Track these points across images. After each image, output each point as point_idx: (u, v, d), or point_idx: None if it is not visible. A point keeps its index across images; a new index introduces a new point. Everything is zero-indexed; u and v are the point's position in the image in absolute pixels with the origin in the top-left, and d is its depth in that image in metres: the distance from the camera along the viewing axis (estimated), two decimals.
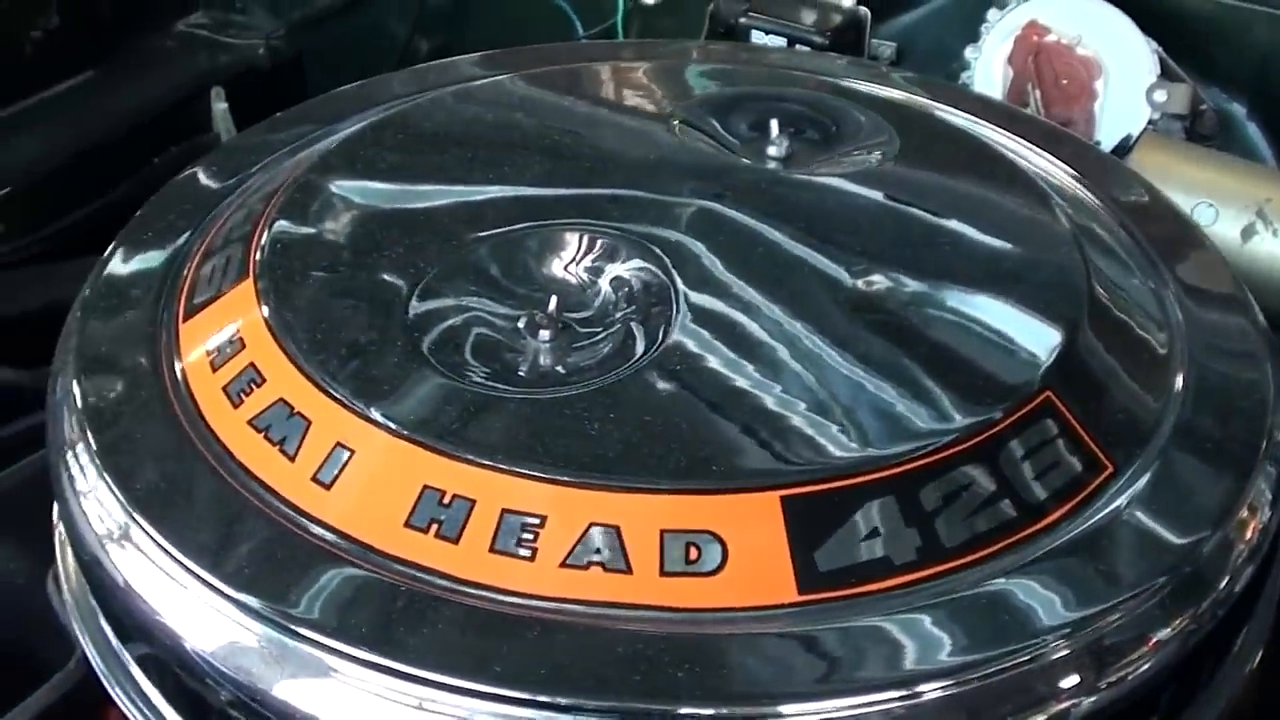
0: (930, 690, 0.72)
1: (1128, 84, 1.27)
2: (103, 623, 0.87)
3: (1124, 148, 1.25)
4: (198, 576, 0.77)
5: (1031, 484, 0.78)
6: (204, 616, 0.77)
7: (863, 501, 0.75)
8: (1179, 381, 0.88)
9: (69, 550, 0.91)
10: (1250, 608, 0.82)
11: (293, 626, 0.74)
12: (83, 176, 1.43)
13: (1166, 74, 1.26)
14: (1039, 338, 0.85)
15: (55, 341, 1.03)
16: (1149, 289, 0.95)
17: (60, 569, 0.93)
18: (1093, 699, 0.75)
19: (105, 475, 0.82)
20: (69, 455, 0.86)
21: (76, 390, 0.88)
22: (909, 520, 0.75)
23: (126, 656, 0.86)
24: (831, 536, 0.75)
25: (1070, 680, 0.74)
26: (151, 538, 0.79)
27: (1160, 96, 1.23)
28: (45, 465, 1.02)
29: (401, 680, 0.72)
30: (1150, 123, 1.25)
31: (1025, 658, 0.73)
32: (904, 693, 0.72)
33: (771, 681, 0.72)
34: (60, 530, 0.93)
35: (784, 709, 0.71)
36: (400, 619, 0.73)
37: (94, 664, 0.86)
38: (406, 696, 0.72)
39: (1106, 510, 0.80)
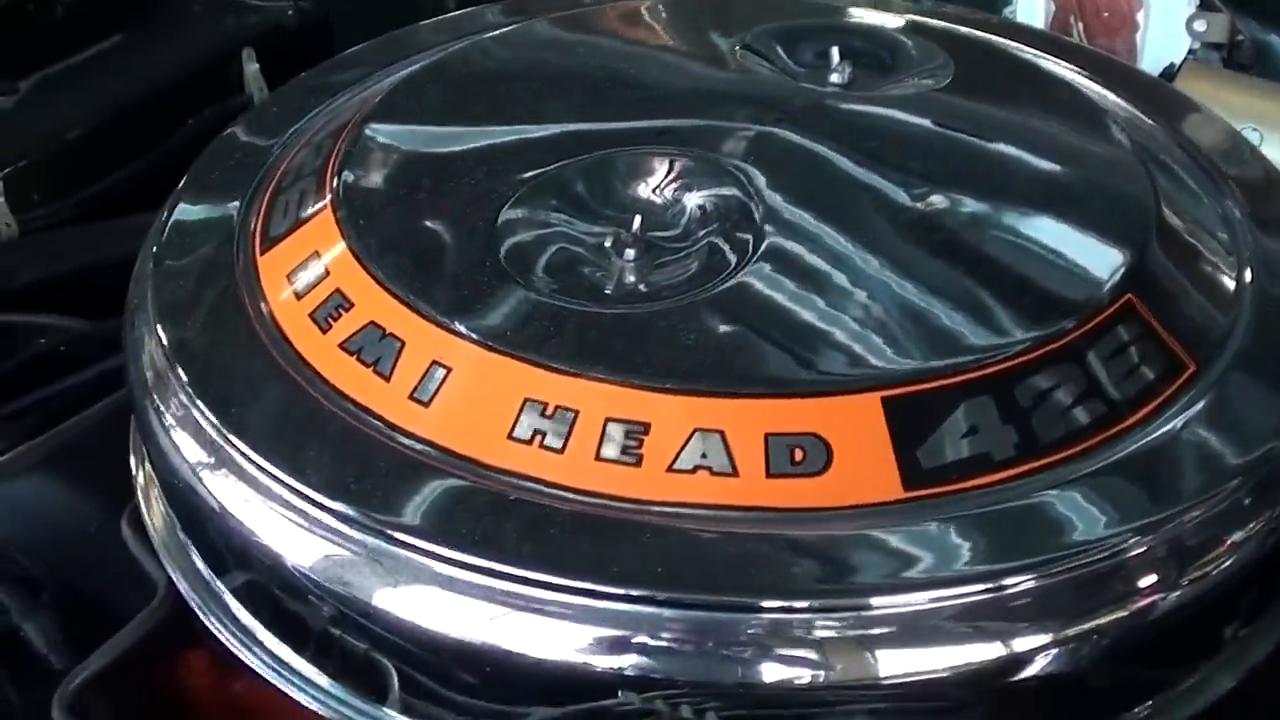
0: (1036, 580, 0.72)
1: (1168, 14, 1.28)
2: (194, 557, 0.87)
3: (1167, 76, 1.26)
4: (301, 494, 0.77)
5: (1119, 383, 0.79)
6: (309, 535, 0.77)
7: (960, 401, 0.76)
8: (1249, 287, 0.89)
9: (154, 488, 0.91)
10: None
11: (401, 537, 0.74)
12: (116, 140, 1.42)
13: (1205, 4, 1.28)
14: (1116, 246, 0.86)
15: (105, 298, 1.04)
16: (1212, 202, 0.96)
17: (142, 508, 0.92)
18: (1177, 594, 0.75)
19: (197, 404, 0.82)
20: (156, 389, 0.86)
21: (159, 326, 0.88)
22: (1005, 418, 0.76)
23: (219, 587, 0.86)
24: (932, 435, 0.75)
25: (1155, 576, 0.74)
26: (251, 460, 0.79)
27: (1200, 26, 1.25)
28: (110, 412, 1.03)
29: (515, 584, 0.72)
30: (1190, 52, 1.26)
31: (1120, 550, 0.74)
32: (1008, 584, 0.72)
33: (881, 577, 0.72)
34: (142, 470, 0.94)
35: (894, 602, 0.71)
36: (511, 525, 0.74)
37: (186, 595, 0.86)
38: (521, 601, 0.72)
39: (1191, 409, 0.80)
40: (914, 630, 0.72)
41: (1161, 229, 0.88)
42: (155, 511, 0.92)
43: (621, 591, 0.71)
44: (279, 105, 1.12)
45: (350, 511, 0.76)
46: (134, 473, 0.95)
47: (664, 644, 0.72)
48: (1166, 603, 0.75)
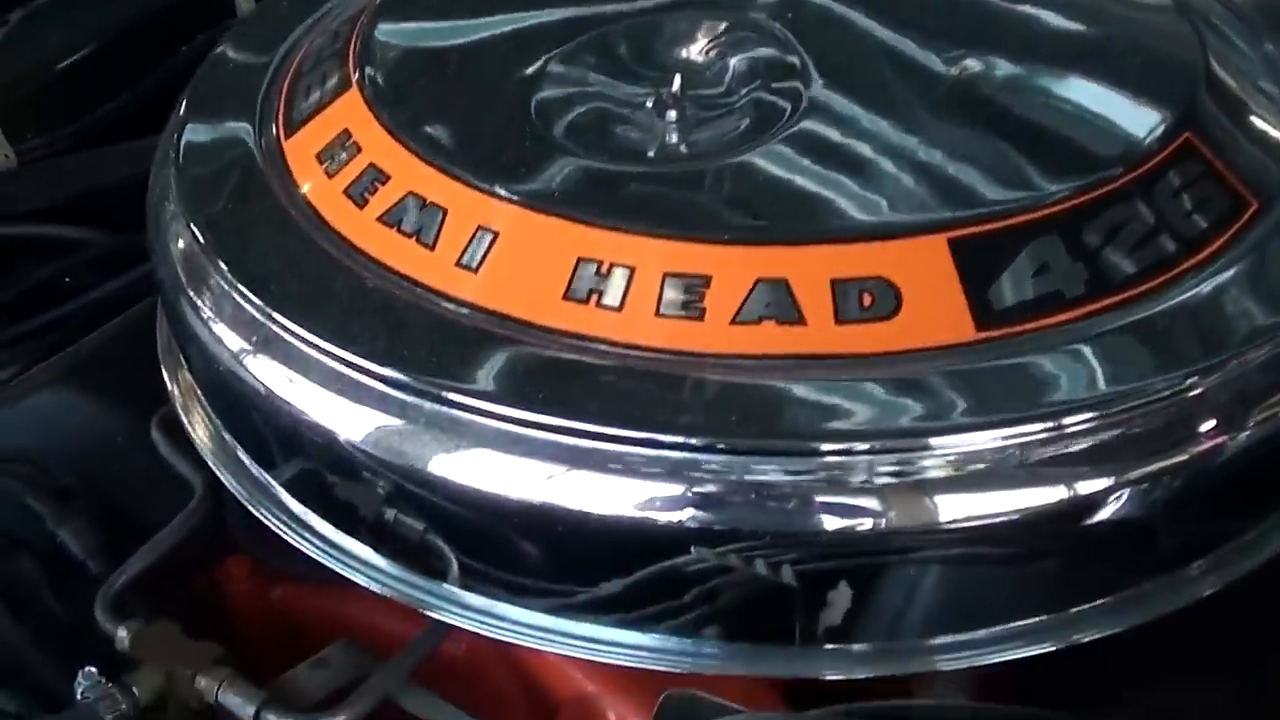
0: (1112, 416, 0.70)
1: None
2: (240, 455, 0.84)
3: None
4: (352, 366, 0.74)
5: (1183, 221, 0.78)
6: (362, 408, 0.75)
7: (1027, 240, 0.74)
8: None
9: (192, 395, 0.88)
10: None
11: (459, 400, 0.72)
12: (109, 69, 1.39)
13: None
14: (1170, 90, 0.84)
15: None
16: (1255, 50, 0.94)
17: (181, 416, 0.90)
18: (1243, 436, 0.74)
19: (237, 288, 0.80)
20: (190, 283, 0.83)
21: (189, 219, 0.85)
22: (1073, 257, 0.74)
23: (269, 480, 0.83)
24: (1001, 276, 0.73)
25: (1221, 418, 0.73)
26: (298, 336, 0.77)
27: None
28: (129, 325, 1.00)
29: (582, 439, 0.69)
30: None
31: (1187, 391, 0.72)
32: (1083, 419, 0.70)
33: (961, 416, 0.70)
34: (179, 378, 0.91)
35: (976, 440, 0.69)
36: (573, 383, 0.71)
37: (234, 490, 0.83)
38: (588, 458, 0.70)
39: (1255, 247, 0.78)
40: (999, 471, 0.70)
41: (1211, 74, 0.86)
42: (195, 416, 0.89)
43: (692, 442, 0.69)
44: (271, 13, 1.08)
45: (406, 378, 0.73)
46: (169, 382, 0.92)
47: (739, 496, 0.69)
48: (1233, 445, 0.73)
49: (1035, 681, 0.76)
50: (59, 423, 0.98)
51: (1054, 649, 0.73)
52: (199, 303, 0.82)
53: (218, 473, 0.85)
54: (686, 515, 0.69)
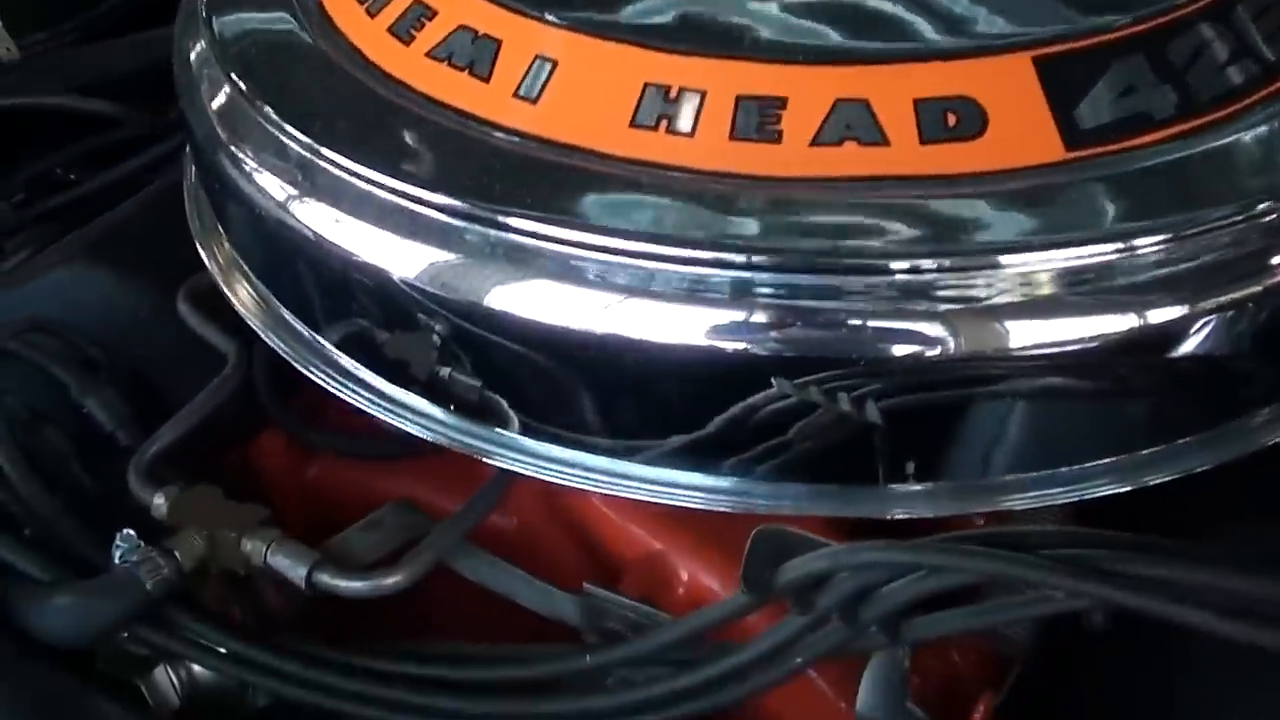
0: (1203, 232, 0.67)
1: None
2: (284, 314, 0.80)
3: None
4: (410, 198, 0.70)
5: (1271, 41, 0.74)
6: (420, 243, 0.71)
7: (1114, 59, 0.71)
8: None
9: (233, 265, 0.84)
10: None
11: (526, 227, 0.68)
12: None
13: None
14: None
15: None
16: None
17: (219, 282, 0.86)
18: None
19: (284, 128, 0.76)
20: (231, 136, 0.79)
21: (225, 68, 0.81)
22: (1158, 76, 0.71)
23: (317, 338, 0.79)
24: (1088, 94, 0.70)
25: None
26: (351, 172, 0.73)
27: None
28: (149, 201, 0.96)
29: (658, 263, 0.66)
30: None
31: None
32: (1175, 236, 0.66)
33: (1048, 236, 0.67)
34: (217, 241, 0.87)
35: (1061, 259, 0.66)
36: (644, 210, 0.68)
37: (282, 351, 0.79)
38: (664, 280, 0.66)
39: None
40: (1091, 289, 0.66)
41: None
42: (238, 286, 0.85)
43: (766, 264, 0.65)
44: None
45: (465, 207, 0.69)
46: (207, 259, 0.88)
47: (813, 319, 0.66)
48: None
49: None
50: (80, 298, 0.94)
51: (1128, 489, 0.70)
52: (240, 154, 0.78)
53: (265, 337, 0.81)
54: (759, 340, 0.65)
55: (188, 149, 0.89)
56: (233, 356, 0.87)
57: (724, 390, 0.68)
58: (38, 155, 1.13)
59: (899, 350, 0.66)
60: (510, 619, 0.81)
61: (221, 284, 0.85)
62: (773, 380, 0.67)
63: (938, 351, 0.66)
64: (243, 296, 0.84)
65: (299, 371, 0.81)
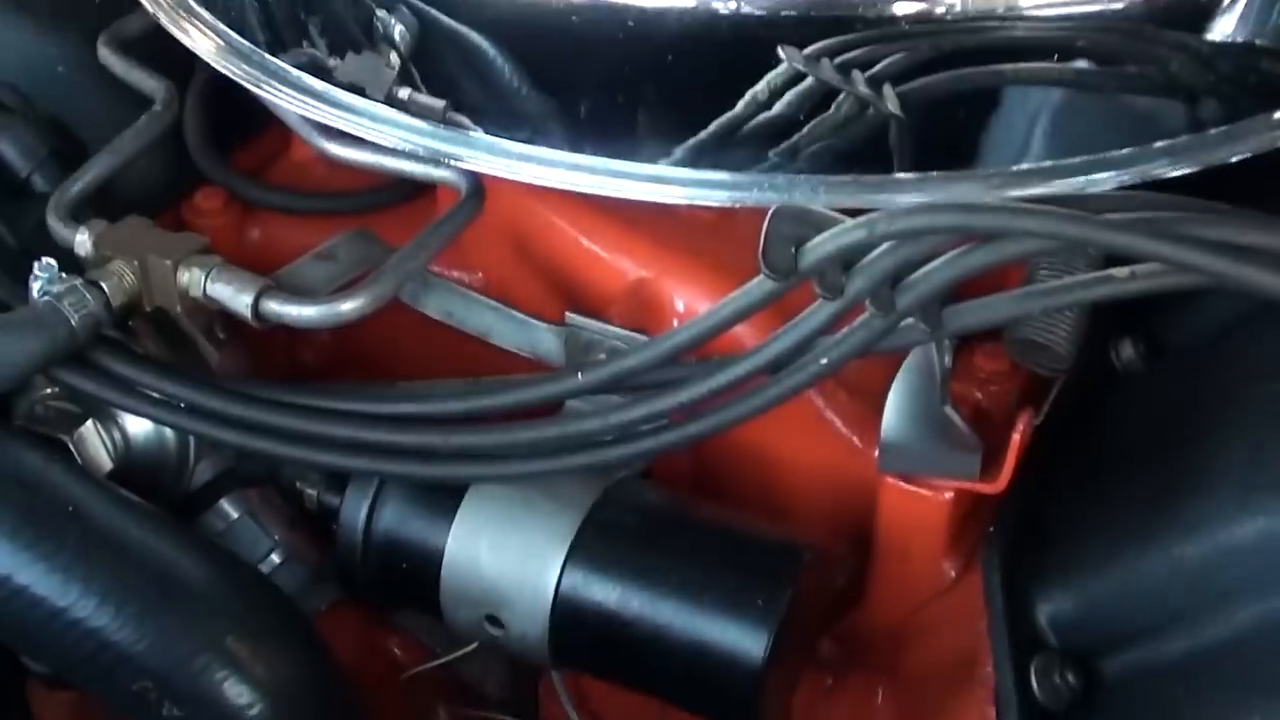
0: None
1: None
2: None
3: None
4: None
5: None
6: None
7: None
8: None
9: None
10: None
11: None
12: None
13: None
14: None
15: None
16: None
17: (170, 27, 0.76)
18: None
19: None
20: None
21: None
22: None
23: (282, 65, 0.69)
24: None
25: None
26: None
27: None
28: None
29: None
30: None
31: None
32: None
33: None
34: None
35: None
36: None
37: (242, 79, 0.70)
38: None
39: None
40: None
41: None
42: (189, 24, 0.75)
43: None
44: None
45: None
46: (152, 6, 0.77)
47: None
48: None
49: None
50: None
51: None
52: None
53: (218, 63, 0.71)
54: None
55: None
56: (161, 95, 0.77)
57: (725, 65, 0.58)
58: None
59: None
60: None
61: (172, 28, 0.75)
62: (780, 50, 0.57)
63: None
64: (195, 35, 0.74)
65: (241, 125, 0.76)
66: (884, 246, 0.54)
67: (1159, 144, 0.64)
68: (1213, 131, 0.65)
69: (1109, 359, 0.72)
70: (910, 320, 0.57)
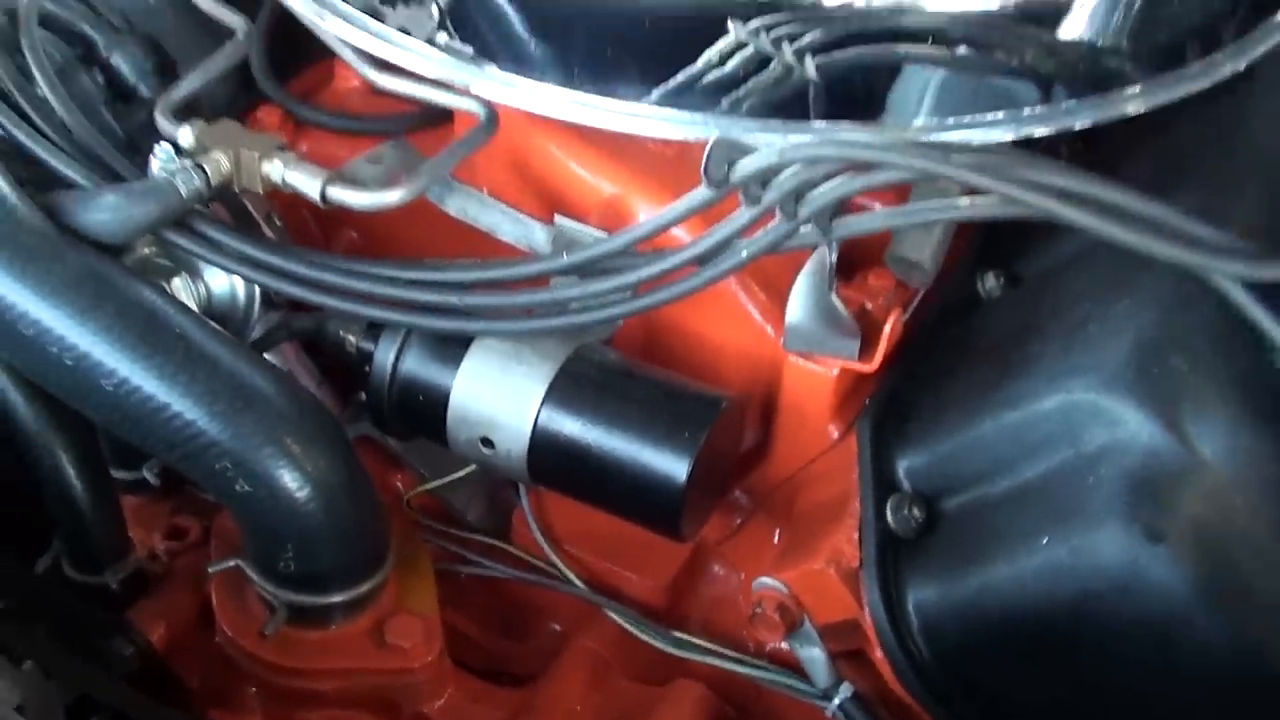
0: None
1: None
2: None
3: None
4: None
5: None
6: None
7: None
8: None
9: None
10: None
11: None
12: None
13: None
14: None
15: None
16: None
17: None
18: None
19: None
20: None
21: None
22: None
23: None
24: None
25: None
26: None
27: None
28: None
29: None
30: None
31: None
32: None
33: None
34: None
35: None
36: None
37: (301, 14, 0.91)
38: None
39: None
40: None
41: None
42: None
43: None
44: None
45: None
46: None
47: None
48: None
49: None
50: None
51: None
52: None
53: (303, 7, 0.91)
54: None
55: None
56: (242, 27, 0.98)
57: (690, 32, 0.80)
58: None
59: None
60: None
61: None
62: (729, 25, 0.79)
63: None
64: None
65: (295, 58, 0.95)
66: (792, 168, 0.76)
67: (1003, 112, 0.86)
68: (1059, 105, 0.86)
69: (976, 287, 0.94)
70: (808, 227, 0.79)
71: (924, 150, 0.74)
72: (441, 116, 1.00)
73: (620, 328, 0.91)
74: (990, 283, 0.91)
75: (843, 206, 0.77)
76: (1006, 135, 0.81)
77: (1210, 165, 0.91)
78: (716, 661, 0.94)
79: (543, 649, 1.00)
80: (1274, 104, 0.93)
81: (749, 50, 0.82)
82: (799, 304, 0.84)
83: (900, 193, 0.86)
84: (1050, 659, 0.80)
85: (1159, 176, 0.89)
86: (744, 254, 0.80)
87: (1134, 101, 0.82)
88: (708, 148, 0.77)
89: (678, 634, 0.94)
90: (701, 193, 0.77)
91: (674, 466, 0.83)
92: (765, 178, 0.77)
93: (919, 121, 0.84)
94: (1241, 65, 0.87)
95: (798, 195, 0.77)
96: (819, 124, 0.82)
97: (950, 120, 0.82)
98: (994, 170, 0.73)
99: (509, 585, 1.00)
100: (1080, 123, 0.84)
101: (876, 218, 0.78)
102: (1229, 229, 0.75)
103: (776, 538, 0.96)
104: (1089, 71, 0.86)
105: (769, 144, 0.76)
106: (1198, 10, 0.89)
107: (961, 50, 0.86)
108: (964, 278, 0.92)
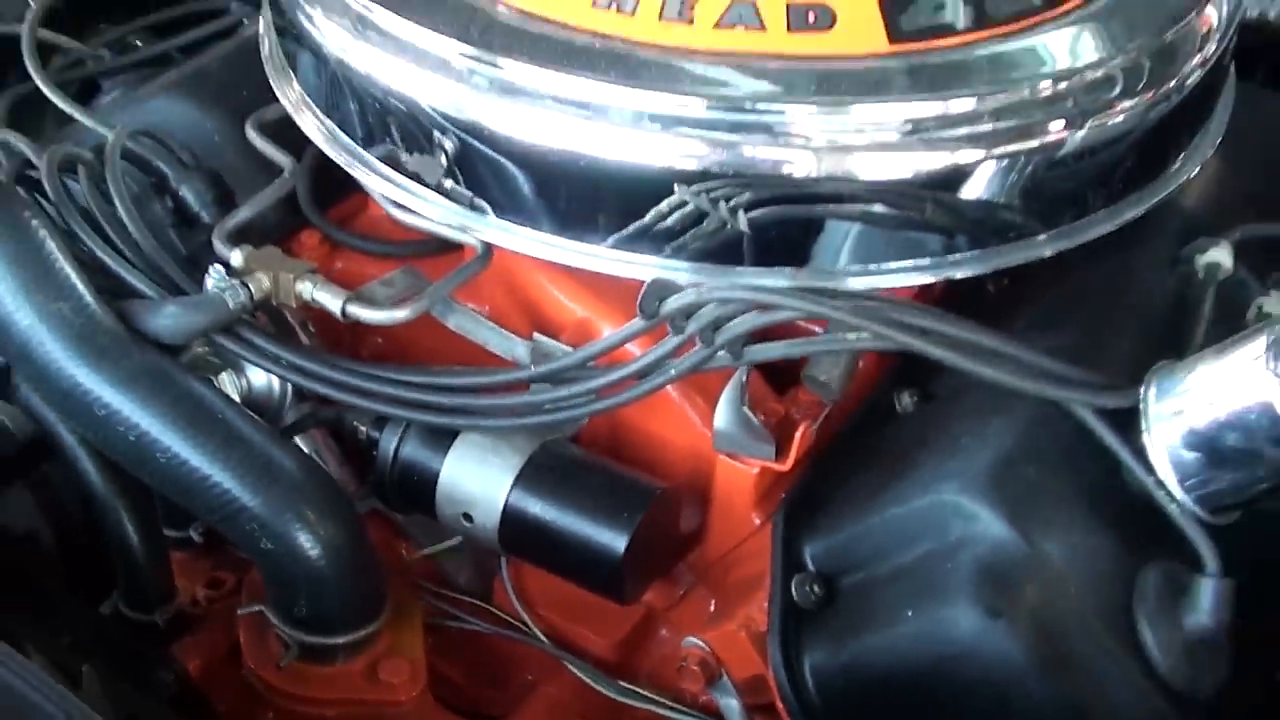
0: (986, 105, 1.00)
1: None
2: (338, 134, 1.13)
3: None
4: (440, 46, 1.03)
5: None
6: (440, 77, 1.03)
7: None
8: None
9: (302, 92, 1.17)
10: None
11: (516, 69, 1.00)
12: None
13: None
14: None
15: None
16: None
17: (290, 110, 1.18)
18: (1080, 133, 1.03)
19: None
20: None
21: None
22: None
23: (362, 151, 1.12)
24: (908, 8, 1.02)
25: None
26: (392, 23, 1.05)
27: None
28: (231, 53, 1.29)
29: (606, 98, 0.98)
30: None
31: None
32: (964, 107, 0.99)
33: (864, 95, 0.99)
34: (288, 82, 1.19)
35: (874, 114, 0.99)
36: (599, 61, 1.00)
37: (337, 159, 1.12)
38: (611, 113, 0.99)
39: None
40: (891, 137, 0.99)
41: None
42: (304, 115, 1.17)
43: (681, 102, 0.98)
44: None
45: (475, 53, 1.01)
46: (280, 95, 1.19)
47: (716, 144, 0.98)
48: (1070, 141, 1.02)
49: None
50: (172, 120, 1.25)
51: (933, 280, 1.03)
52: (310, 10, 1.10)
53: (328, 150, 1.12)
54: (675, 157, 0.98)
55: (266, 7, 1.21)
56: (289, 165, 1.19)
57: (642, 192, 1.00)
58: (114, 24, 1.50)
59: (763, 168, 0.98)
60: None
61: (292, 112, 1.17)
62: (675, 187, 0.99)
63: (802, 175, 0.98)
64: (307, 121, 1.16)
65: (335, 189, 1.14)
66: (709, 306, 0.97)
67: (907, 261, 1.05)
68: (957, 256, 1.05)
69: (893, 403, 1.13)
70: (723, 353, 0.99)
71: (811, 295, 0.94)
72: (455, 243, 1.20)
73: (585, 425, 1.11)
74: (905, 400, 1.09)
75: (759, 335, 0.97)
76: (912, 279, 1.01)
77: (1099, 304, 1.10)
78: (657, 709, 1.13)
79: (516, 695, 1.20)
80: (1160, 249, 1.12)
81: (690, 206, 1.01)
82: (722, 414, 1.03)
83: (822, 322, 1.05)
84: (916, 713, 0.99)
85: (1057, 313, 1.09)
86: (672, 372, 0.99)
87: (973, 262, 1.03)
88: (644, 287, 0.97)
89: (624, 684, 1.13)
90: (638, 322, 0.98)
91: (614, 541, 1.03)
92: (689, 312, 0.97)
93: (837, 267, 1.03)
94: (1141, 211, 1.06)
95: (715, 326, 0.97)
96: (739, 269, 1.02)
97: (857, 267, 1.02)
98: (866, 312, 0.93)
99: (490, 639, 1.19)
100: (962, 272, 1.03)
101: (779, 347, 0.98)
102: (1106, 360, 0.95)
103: (712, 606, 1.14)
104: (985, 223, 1.05)
105: (694, 285, 0.96)
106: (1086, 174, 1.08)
107: (876, 208, 1.05)
108: (886, 392, 1.11)
